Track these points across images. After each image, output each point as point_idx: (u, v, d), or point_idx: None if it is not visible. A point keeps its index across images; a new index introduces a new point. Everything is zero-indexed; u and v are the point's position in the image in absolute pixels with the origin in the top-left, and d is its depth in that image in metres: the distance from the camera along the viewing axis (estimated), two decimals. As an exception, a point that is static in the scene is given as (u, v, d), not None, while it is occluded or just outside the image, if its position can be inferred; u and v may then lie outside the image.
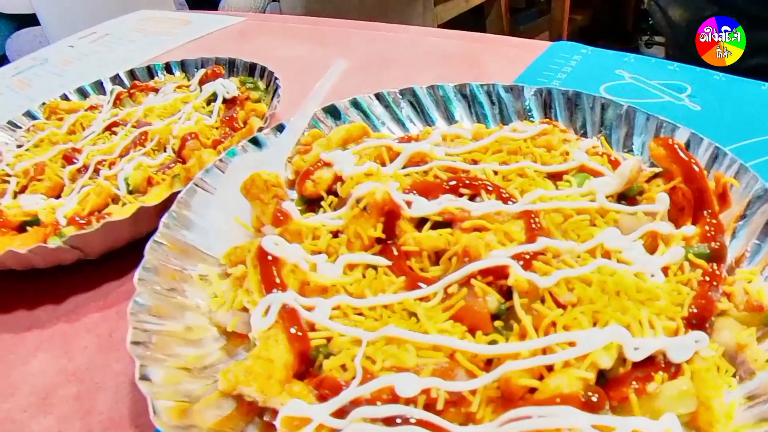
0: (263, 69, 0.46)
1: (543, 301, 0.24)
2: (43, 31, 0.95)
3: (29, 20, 0.95)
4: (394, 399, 0.20)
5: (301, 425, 0.19)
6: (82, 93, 0.53)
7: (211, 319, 0.25)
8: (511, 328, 0.23)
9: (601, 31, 1.88)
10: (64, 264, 0.33)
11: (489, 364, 0.22)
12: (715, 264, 0.26)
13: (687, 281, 0.26)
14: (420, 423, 0.19)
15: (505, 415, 0.20)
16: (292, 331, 0.21)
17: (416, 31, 0.61)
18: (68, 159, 0.41)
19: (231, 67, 0.50)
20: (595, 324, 0.23)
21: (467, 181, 0.30)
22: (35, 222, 0.36)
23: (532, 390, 0.21)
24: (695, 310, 0.24)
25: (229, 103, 0.43)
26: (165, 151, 0.39)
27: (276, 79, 0.43)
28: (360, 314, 0.23)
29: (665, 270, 0.26)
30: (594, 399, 0.21)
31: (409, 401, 0.20)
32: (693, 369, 0.22)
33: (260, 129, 0.36)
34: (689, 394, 0.22)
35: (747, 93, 0.49)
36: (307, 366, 0.22)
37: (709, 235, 0.28)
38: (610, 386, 0.22)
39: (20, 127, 0.50)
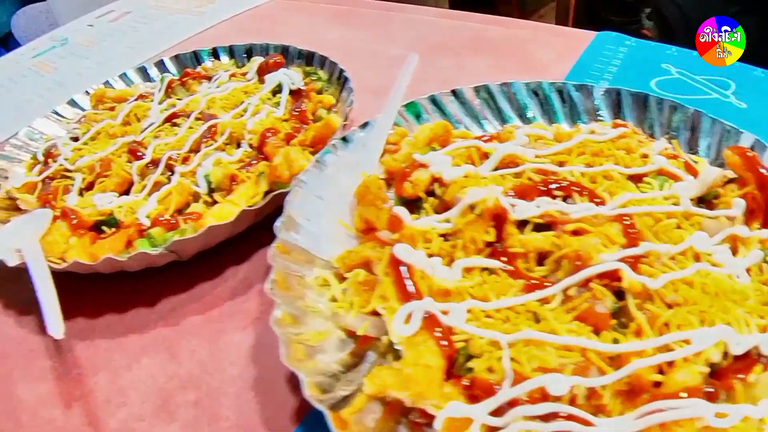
0: (322, 58, 0.46)
1: (651, 301, 0.26)
2: (48, 7, 0.92)
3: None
4: (545, 397, 0.22)
5: (463, 425, 0.21)
6: (124, 79, 0.52)
7: (336, 323, 0.27)
8: (624, 326, 0.26)
9: (604, 2, 1.89)
10: (155, 266, 0.33)
11: (612, 360, 0.24)
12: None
13: (767, 281, 0.28)
14: (569, 417, 0.21)
15: (640, 409, 0.22)
16: (439, 335, 0.23)
17: (456, 15, 0.61)
18: (133, 153, 0.41)
19: (284, 54, 0.49)
20: (702, 322, 0.25)
21: (559, 184, 0.32)
22: (111, 221, 0.36)
23: (656, 384, 0.23)
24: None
25: (293, 94, 0.44)
26: (239, 146, 0.39)
27: (342, 70, 0.44)
28: (488, 317, 0.25)
29: (747, 271, 0.29)
30: (713, 390, 0.23)
31: (556, 398, 0.22)
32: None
33: (345, 124, 0.37)
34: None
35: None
36: (449, 368, 0.24)
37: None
38: (717, 377, 0.25)
39: (64, 117, 0.49)
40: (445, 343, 0.23)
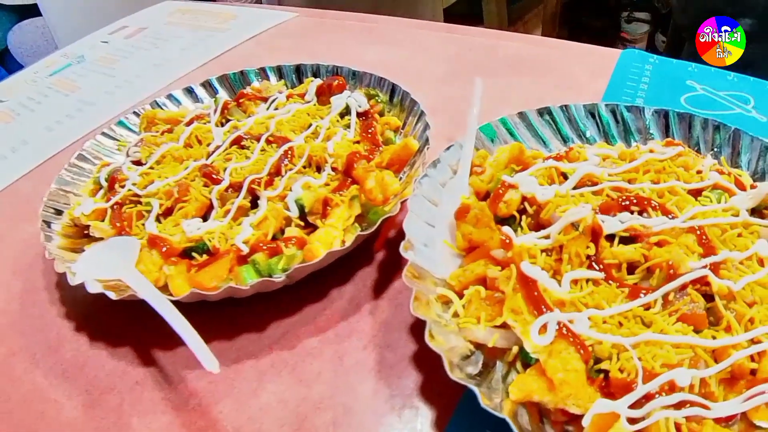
0: (381, 79, 0.50)
1: (734, 301, 0.32)
2: (45, 22, 0.92)
3: (31, 11, 0.92)
4: (673, 389, 0.26)
5: (609, 420, 0.26)
6: (172, 100, 0.55)
7: (465, 337, 0.31)
8: (714, 324, 0.31)
9: (586, 5, 2.01)
10: (264, 291, 0.36)
11: (713, 353, 0.29)
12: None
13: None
14: (693, 404, 0.26)
15: (746, 393, 0.27)
16: (576, 342, 0.28)
17: (489, 34, 0.66)
18: (209, 176, 0.43)
19: (335, 73, 0.53)
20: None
21: (635, 200, 0.37)
22: (201, 247, 0.38)
23: (751, 371, 0.29)
24: None
25: (360, 116, 0.47)
26: (318, 169, 0.43)
27: (406, 91, 0.48)
28: (605, 323, 0.30)
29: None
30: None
31: (681, 389, 0.27)
32: None
33: (425, 147, 0.41)
34: None
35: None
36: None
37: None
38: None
39: (113, 138, 0.51)
40: (578, 346, 0.28)
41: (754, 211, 0.39)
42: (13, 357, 0.37)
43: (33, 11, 1.03)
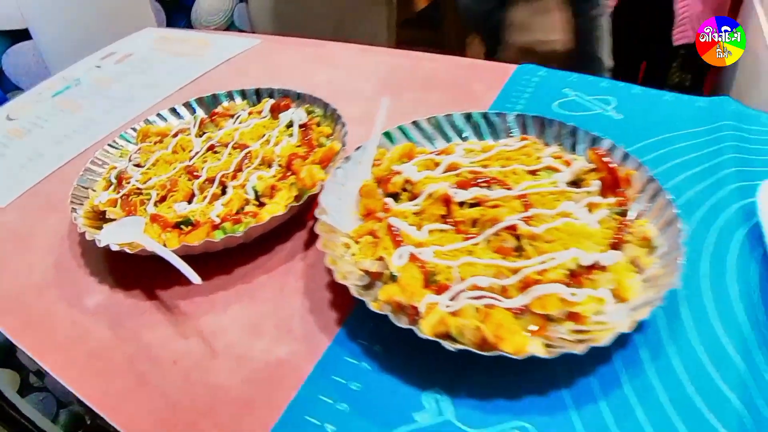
0: (318, 99, 0.70)
1: (536, 240, 0.51)
2: (35, 45, 1.10)
3: (22, 36, 1.10)
4: (478, 288, 0.46)
5: (434, 306, 0.44)
6: (160, 118, 0.74)
7: (358, 266, 0.50)
8: (521, 254, 0.50)
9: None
10: (230, 246, 0.55)
11: (514, 271, 0.48)
12: (623, 217, 0.54)
13: (609, 225, 0.53)
14: (488, 297, 0.45)
15: (527, 292, 0.46)
16: (418, 264, 0.47)
17: (411, 56, 0.86)
18: (191, 173, 0.62)
19: (284, 95, 0.72)
20: (564, 248, 0.50)
21: (484, 179, 0.56)
22: (187, 221, 0.57)
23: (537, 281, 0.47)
24: (614, 241, 0.52)
25: (302, 127, 0.67)
26: (270, 167, 0.62)
27: (335, 109, 0.67)
28: (444, 255, 0.49)
29: (600, 222, 0.54)
30: (569, 282, 0.47)
31: (483, 289, 0.46)
32: (613, 268, 0.50)
33: (341, 149, 0.60)
34: (612, 280, 0.49)
35: (653, 102, 0.78)
36: (425, 282, 0.47)
37: (620, 202, 0.56)
38: (573, 275, 0.49)
39: (117, 148, 0.70)
40: (421, 267, 0.47)
41: (575, 183, 0.59)
42: (54, 305, 0.56)
43: (24, 35, 1.17)
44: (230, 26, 1.47)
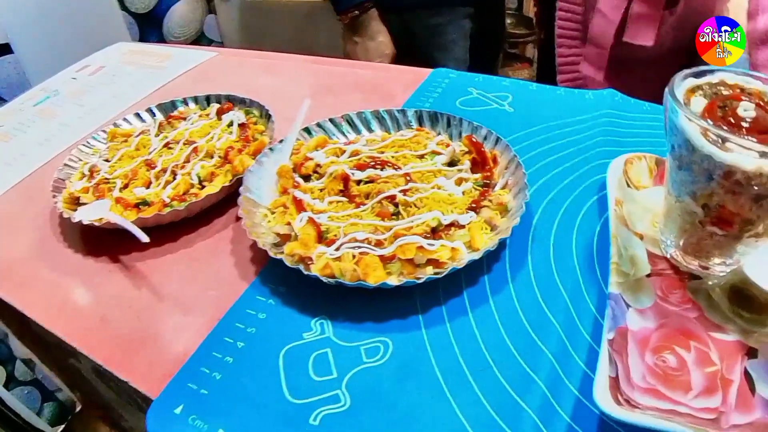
0: (256, 102, 0.87)
1: (410, 206, 0.67)
2: (17, 58, 1.28)
3: (4, 50, 1.27)
4: (357, 241, 0.62)
5: (322, 254, 0.61)
6: (126, 121, 0.91)
7: (270, 229, 0.67)
8: (398, 217, 0.67)
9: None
10: (176, 220, 0.72)
11: (388, 230, 0.65)
12: (487, 188, 0.71)
13: (472, 194, 0.70)
14: (363, 247, 0.62)
15: (395, 242, 0.63)
16: (314, 224, 0.64)
17: (344, 63, 1.03)
18: (149, 165, 0.80)
19: (231, 100, 0.90)
20: (429, 211, 0.67)
21: (379, 162, 0.73)
22: (145, 202, 0.75)
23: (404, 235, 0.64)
24: (473, 206, 0.68)
25: (240, 126, 0.84)
26: (212, 158, 0.79)
27: (268, 110, 0.84)
28: (338, 219, 0.66)
29: (464, 192, 0.71)
30: (431, 234, 0.64)
31: (362, 240, 0.63)
32: (469, 226, 0.66)
33: (270, 141, 0.78)
34: (467, 234, 0.65)
35: (547, 96, 0.96)
36: (318, 238, 0.64)
37: (486, 177, 0.73)
38: (435, 231, 0.66)
39: (90, 147, 0.87)
40: (316, 226, 0.64)
41: (453, 164, 0.76)
42: (39, 271, 0.72)
43: (6, 50, 1.35)
44: (200, 36, 1.64)
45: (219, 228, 0.72)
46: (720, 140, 0.47)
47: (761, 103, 0.51)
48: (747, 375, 0.50)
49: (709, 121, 0.49)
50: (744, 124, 0.48)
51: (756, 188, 0.47)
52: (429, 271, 0.60)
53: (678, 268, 0.61)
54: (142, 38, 1.49)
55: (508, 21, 2.71)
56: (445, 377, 0.52)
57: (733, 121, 0.48)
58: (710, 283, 0.60)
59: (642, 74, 1.12)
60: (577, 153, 0.81)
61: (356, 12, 1.30)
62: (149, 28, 1.51)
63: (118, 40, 1.30)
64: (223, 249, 0.69)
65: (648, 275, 0.60)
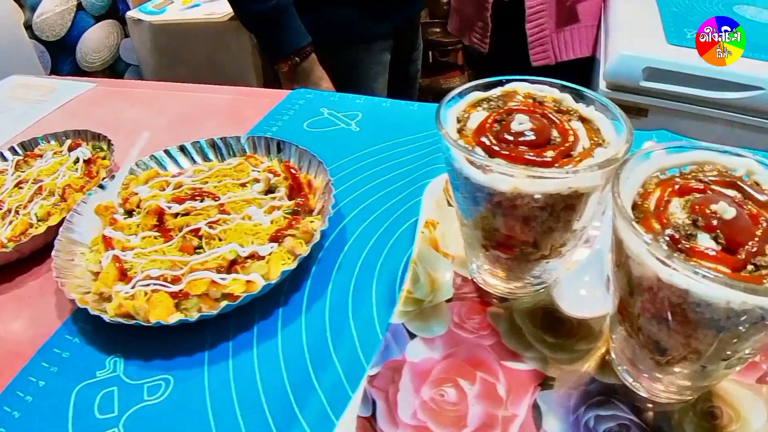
0: (104, 136, 0.91)
1: (213, 239, 0.72)
2: None
3: None
4: (151, 278, 0.67)
5: (118, 293, 0.66)
6: (-9, 161, 0.96)
7: (87, 269, 0.72)
8: (203, 250, 0.71)
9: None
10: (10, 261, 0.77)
11: (185, 265, 0.69)
12: (297, 216, 0.75)
13: (280, 223, 0.74)
14: (157, 284, 0.67)
15: (187, 276, 0.67)
16: (117, 263, 0.68)
17: (203, 89, 1.07)
18: (-3, 205, 0.85)
19: (83, 136, 0.94)
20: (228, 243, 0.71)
21: (198, 193, 0.77)
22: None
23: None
24: (276, 235, 0.72)
25: (87, 161, 0.88)
26: (53, 196, 0.84)
27: (111, 143, 0.89)
28: (144, 254, 0.70)
29: (273, 221, 0.75)
30: (227, 268, 0.69)
31: (156, 278, 0.67)
32: (270, 257, 0.70)
33: (104, 178, 0.82)
34: (265, 266, 0.70)
35: (398, 113, 0.99)
36: (123, 275, 0.69)
37: (298, 204, 0.76)
38: (234, 263, 0.70)
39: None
40: (118, 265, 0.68)
41: (271, 190, 0.80)
42: None
43: None
44: (117, 61, 1.68)
45: (49, 267, 0.77)
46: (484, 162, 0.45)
47: (546, 113, 0.49)
48: (535, 408, 0.48)
49: (461, 141, 0.47)
50: (523, 139, 0.46)
51: (519, 210, 0.45)
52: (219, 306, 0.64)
53: (485, 290, 0.60)
54: (55, 66, 1.53)
55: (436, 30, 2.71)
56: (215, 415, 0.53)
57: (507, 136, 0.46)
58: (517, 305, 0.59)
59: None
60: (411, 171, 0.84)
61: (296, 59, 1.26)
62: (62, 56, 1.55)
63: (29, 69, 1.34)
64: (49, 288, 0.74)
65: (449, 300, 0.60)
